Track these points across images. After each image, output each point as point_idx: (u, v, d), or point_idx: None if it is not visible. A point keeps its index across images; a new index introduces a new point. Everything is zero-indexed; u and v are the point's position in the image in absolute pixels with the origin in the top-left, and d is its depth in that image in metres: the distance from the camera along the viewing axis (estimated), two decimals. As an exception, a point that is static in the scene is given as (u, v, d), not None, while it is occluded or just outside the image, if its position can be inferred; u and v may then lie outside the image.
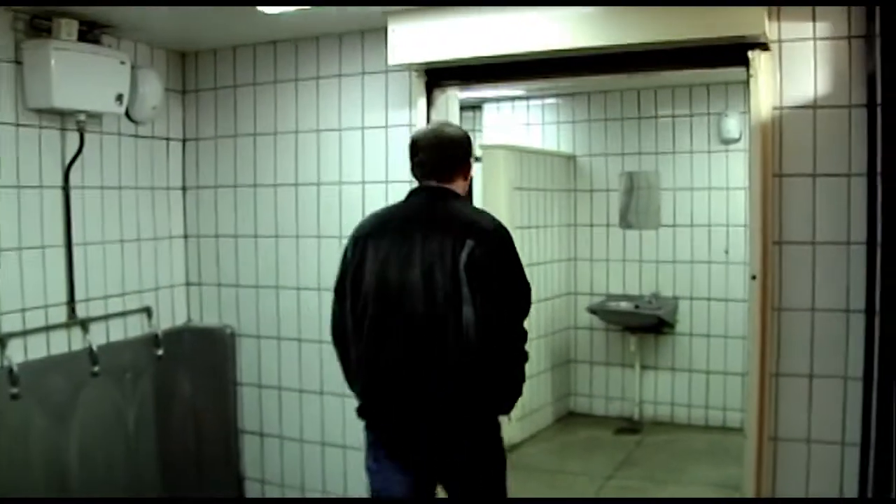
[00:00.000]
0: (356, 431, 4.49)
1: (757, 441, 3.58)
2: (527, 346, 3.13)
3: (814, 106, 3.50)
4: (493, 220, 3.02)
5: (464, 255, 2.85)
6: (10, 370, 3.75)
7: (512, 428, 6.49)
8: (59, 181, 4.11)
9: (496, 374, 2.95)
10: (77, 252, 4.19)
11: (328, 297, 4.50)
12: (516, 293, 3.05)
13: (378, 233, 3.08)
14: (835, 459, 3.51)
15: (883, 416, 3.26)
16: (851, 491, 3.45)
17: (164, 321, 4.77)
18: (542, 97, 7.49)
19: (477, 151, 7.15)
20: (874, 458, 3.30)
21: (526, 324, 3.13)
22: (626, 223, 7.26)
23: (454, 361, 2.84)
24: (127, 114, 4.41)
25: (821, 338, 3.52)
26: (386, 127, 4.36)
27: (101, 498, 4.32)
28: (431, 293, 2.86)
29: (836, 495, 3.51)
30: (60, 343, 4.10)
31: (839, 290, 3.48)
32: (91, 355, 4.16)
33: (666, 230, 7.08)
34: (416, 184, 3.16)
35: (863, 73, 3.38)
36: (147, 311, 4.63)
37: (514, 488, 5.59)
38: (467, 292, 2.84)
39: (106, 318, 4.37)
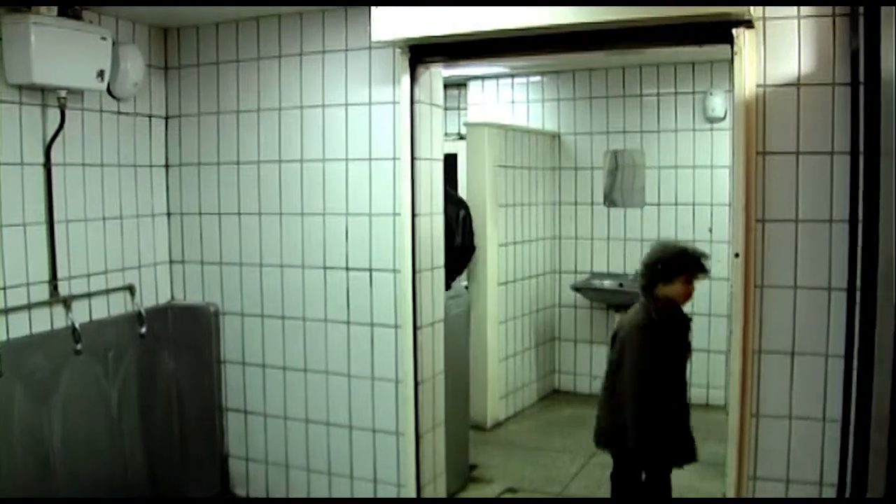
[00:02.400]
0: (340, 409, 4.52)
1: (739, 418, 3.60)
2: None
3: (797, 84, 3.49)
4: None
5: (461, 214, 5.91)
6: (-8, 348, 3.73)
7: (496, 405, 6.53)
8: (40, 158, 4.08)
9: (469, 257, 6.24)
10: (59, 230, 4.16)
11: (312, 275, 4.55)
12: (472, 228, 6.15)
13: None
14: (816, 436, 3.54)
15: (863, 393, 3.28)
16: (832, 467, 3.48)
17: (148, 299, 4.76)
18: (527, 75, 7.49)
19: (461, 129, 7.16)
20: (854, 434, 3.33)
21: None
22: (610, 201, 7.28)
23: (457, 258, 5.75)
24: (109, 90, 4.38)
25: (803, 315, 3.54)
26: (370, 104, 4.33)
27: (98, 498, 4.33)
28: (451, 231, 5.50)
29: (817, 471, 3.54)
30: (43, 321, 4.08)
31: (821, 268, 3.49)
32: (74, 333, 4.15)
33: (650, 208, 7.10)
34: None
35: (847, 51, 3.38)
36: (130, 289, 4.61)
37: (498, 465, 5.65)
38: (458, 228, 5.82)
39: (88, 296, 4.35)
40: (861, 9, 3.27)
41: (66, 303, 4.18)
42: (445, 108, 4.94)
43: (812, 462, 3.56)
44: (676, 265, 4.15)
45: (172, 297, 4.96)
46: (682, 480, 5.31)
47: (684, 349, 4.33)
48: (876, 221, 3.17)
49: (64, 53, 3.93)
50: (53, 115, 4.08)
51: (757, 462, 3.64)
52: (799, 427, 3.57)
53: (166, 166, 4.91)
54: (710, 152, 6.82)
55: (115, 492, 4.46)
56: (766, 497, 3.65)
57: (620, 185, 7.29)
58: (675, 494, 5.14)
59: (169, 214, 4.94)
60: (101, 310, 4.43)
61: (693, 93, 6.88)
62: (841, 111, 3.41)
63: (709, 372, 6.85)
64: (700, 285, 6.73)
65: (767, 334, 3.60)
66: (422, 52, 4.12)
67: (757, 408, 3.62)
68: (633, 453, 4.14)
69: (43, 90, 4.02)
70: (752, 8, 3.39)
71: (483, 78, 7.61)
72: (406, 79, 4.16)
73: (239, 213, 4.75)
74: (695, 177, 6.91)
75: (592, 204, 7.33)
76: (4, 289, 3.89)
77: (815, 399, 3.53)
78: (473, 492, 5.25)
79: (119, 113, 4.56)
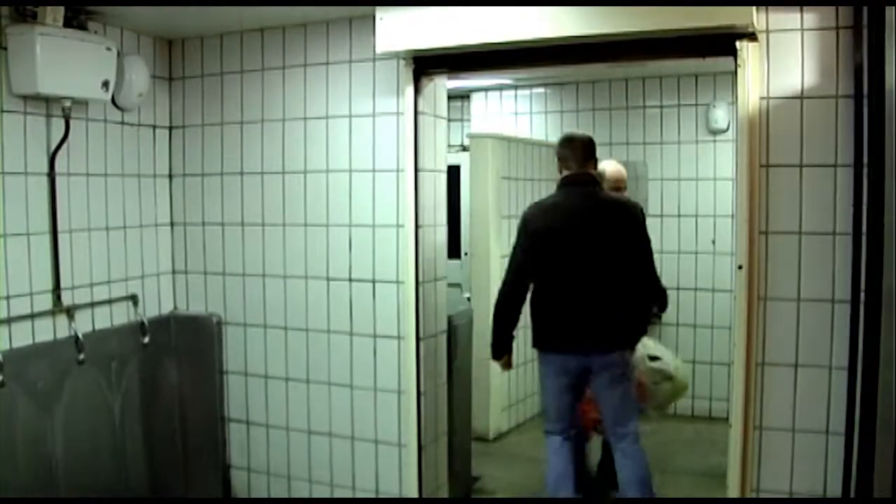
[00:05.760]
0: (342, 420, 4.51)
1: (742, 430, 3.59)
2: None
3: (801, 96, 3.50)
4: None
5: None
6: (-5, 357, 3.73)
7: (499, 416, 6.52)
8: (44, 168, 4.07)
9: None
10: (62, 239, 4.16)
11: (315, 286, 4.55)
12: None
13: None
14: (819, 448, 3.53)
15: (866, 405, 3.27)
16: (835, 480, 3.47)
17: (151, 309, 4.75)
18: (531, 86, 7.50)
19: (464, 140, 7.17)
20: (858, 447, 3.32)
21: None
22: (613, 213, 7.26)
23: None
24: (113, 101, 4.38)
25: (806, 327, 3.54)
26: (373, 115, 4.34)
27: (99, 498, 4.32)
28: None
29: (820, 484, 3.53)
30: (46, 331, 4.07)
31: (825, 280, 3.49)
32: (77, 343, 4.15)
33: (653, 220, 7.06)
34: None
35: (850, 64, 3.39)
36: (133, 298, 4.61)
37: (501, 476, 5.63)
38: None
39: (91, 305, 4.34)
40: (865, 22, 3.27)
41: (70, 312, 4.18)
42: (449, 120, 4.95)
43: (815, 475, 3.54)
44: None
45: (175, 308, 4.96)
46: (685, 491, 5.31)
47: None
48: (880, 233, 3.17)
49: (69, 64, 3.93)
50: (58, 124, 4.08)
51: (760, 474, 3.63)
52: (802, 440, 3.57)
53: (170, 176, 4.92)
54: (713, 164, 6.82)
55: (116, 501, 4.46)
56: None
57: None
58: None
59: (172, 224, 4.94)
60: (104, 319, 4.43)
61: (696, 105, 6.89)
62: (844, 124, 3.41)
63: (712, 384, 6.83)
64: (704, 297, 6.69)
65: (771, 346, 3.59)
66: (426, 64, 4.13)
67: (760, 420, 3.62)
68: None
69: (48, 100, 4.02)
70: (755, 20, 3.40)
71: (486, 90, 7.63)
72: (410, 90, 4.17)
73: (242, 224, 4.75)
74: (697, 189, 6.91)
75: (595, 216, 7.32)
76: (8, 298, 3.88)
77: (819, 412, 3.53)
78: (476, 503, 5.25)
79: (123, 123, 4.56)
